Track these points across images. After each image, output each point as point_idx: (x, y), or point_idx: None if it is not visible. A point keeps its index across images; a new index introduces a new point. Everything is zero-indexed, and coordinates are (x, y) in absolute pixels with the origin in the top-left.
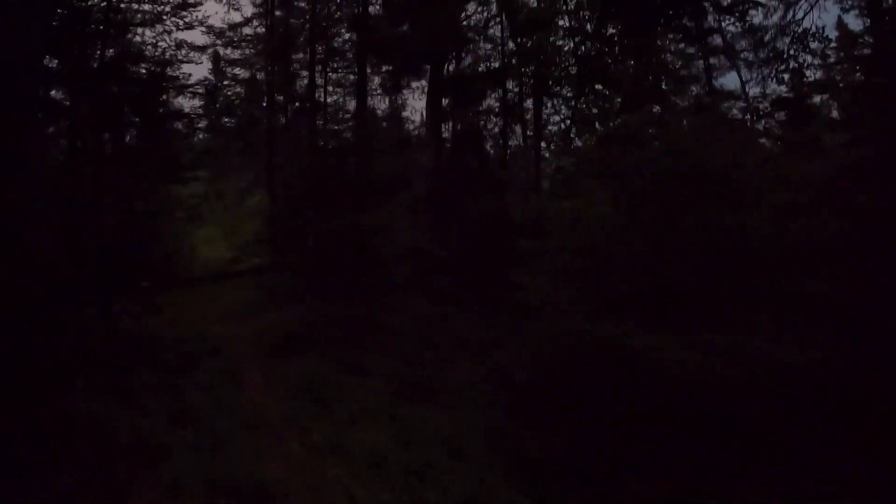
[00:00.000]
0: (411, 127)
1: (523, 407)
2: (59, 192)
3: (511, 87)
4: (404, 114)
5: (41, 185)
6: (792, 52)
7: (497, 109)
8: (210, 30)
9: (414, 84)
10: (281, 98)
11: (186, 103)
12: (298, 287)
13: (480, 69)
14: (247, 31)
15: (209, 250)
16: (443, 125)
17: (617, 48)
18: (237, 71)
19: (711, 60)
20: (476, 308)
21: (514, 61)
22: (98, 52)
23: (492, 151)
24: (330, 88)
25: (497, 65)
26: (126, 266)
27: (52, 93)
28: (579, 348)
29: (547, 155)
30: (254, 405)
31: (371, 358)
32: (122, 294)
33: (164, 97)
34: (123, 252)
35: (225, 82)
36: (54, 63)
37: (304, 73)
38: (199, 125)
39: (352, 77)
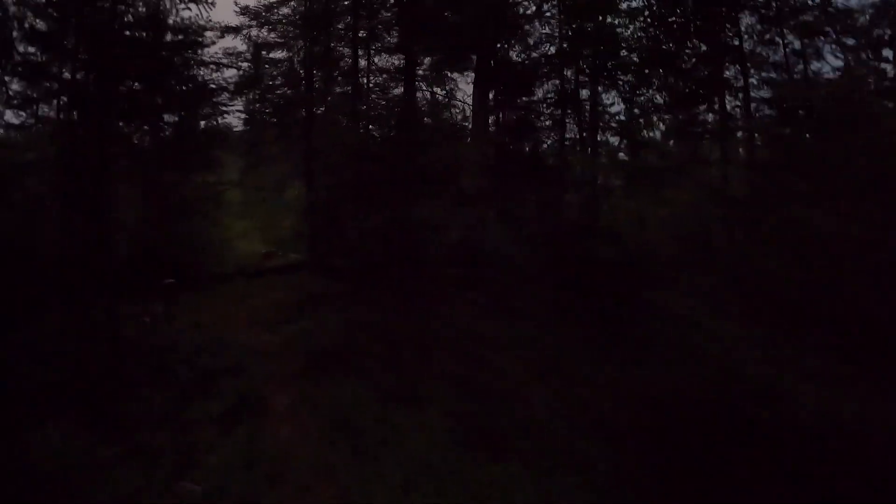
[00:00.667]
0: (458, 117)
1: (638, 466)
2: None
3: (568, 74)
4: (452, 102)
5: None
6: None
7: (550, 99)
8: (245, 11)
9: (461, 73)
10: (320, 80)
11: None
12: (337, 289)
13: (533, 55)
14: (284, 10)
15: (242, 245)
16: (490, 116)
17: (687, 30)
18: (274, 55)
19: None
20: (554, 326)
21: (567, 46)
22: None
23: (545, 144)
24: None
25: (552, 50)
26: (148, 262)
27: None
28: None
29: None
30: (277, 448)
31: (423, 383)
32: (143, 294)
33: (190, 72)
34: (146, 247)
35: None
36: None
37: (346, 50)
38: (229, 106)
39: (396, 61)
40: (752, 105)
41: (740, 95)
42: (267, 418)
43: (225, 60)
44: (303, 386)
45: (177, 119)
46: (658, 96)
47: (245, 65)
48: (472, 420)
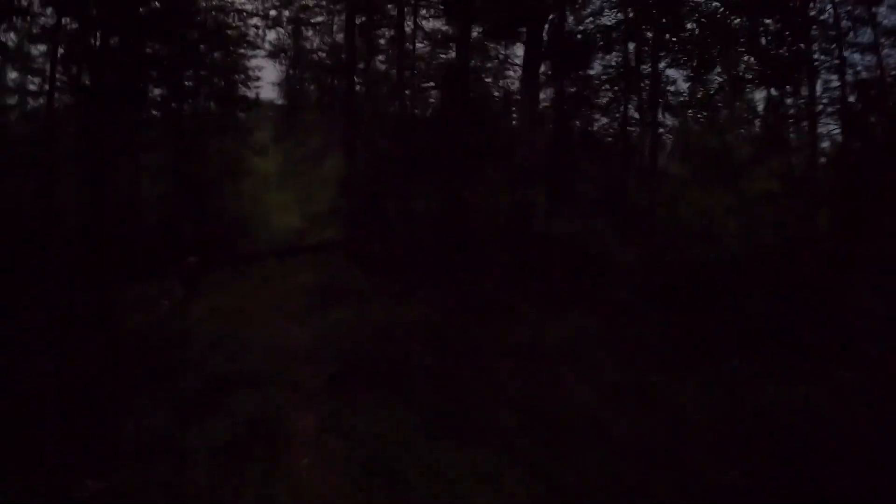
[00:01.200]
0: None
1: None
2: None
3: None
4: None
5: None
6: None
7: (609, 73)
8: None
9: (511, 44)
10: (362, 45)
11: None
12: (376, 276)
13: (590, 25)
14: None
15: (276, 220)
16: (541, 92)
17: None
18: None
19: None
20: (640, 329)
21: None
22: None
23: (602, 121)
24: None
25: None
26: (174, 238)
27: None
28: None
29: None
30: (294, 497)
31: (480, 409)
32: (166, 272)
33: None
34: (171, 222)
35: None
36: None
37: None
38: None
39: (444, 28)
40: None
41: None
42: (285, 451)
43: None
44: (332, 405)
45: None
46: (727, 75)
47: (281, 31)
48: (544, 466)
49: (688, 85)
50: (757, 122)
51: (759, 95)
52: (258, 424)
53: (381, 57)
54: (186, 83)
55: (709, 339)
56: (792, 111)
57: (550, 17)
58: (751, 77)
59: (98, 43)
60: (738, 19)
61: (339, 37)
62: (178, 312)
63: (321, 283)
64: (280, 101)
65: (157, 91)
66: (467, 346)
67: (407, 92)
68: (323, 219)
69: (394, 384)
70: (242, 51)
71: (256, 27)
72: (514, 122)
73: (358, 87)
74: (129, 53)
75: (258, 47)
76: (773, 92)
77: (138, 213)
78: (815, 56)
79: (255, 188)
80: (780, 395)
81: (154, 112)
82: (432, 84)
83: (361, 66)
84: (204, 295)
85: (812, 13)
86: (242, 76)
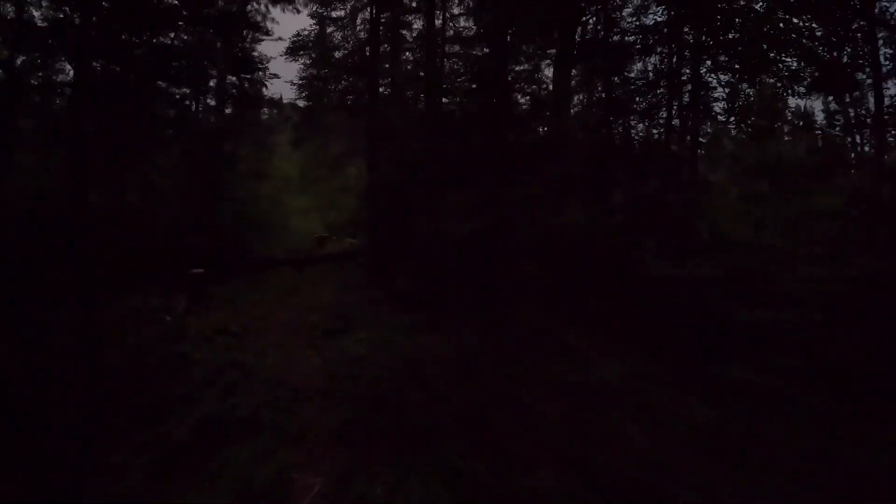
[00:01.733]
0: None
1: None
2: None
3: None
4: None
5: None
6: None
7: (646, 78)
8: None
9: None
10: (387, 41)
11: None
12: (400, 293)
13: (627, 27)
14: None
15: (295, 226)
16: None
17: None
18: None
19: None
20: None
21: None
22: None
23: (640, 127)
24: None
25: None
26: (183, 244)
27: None
28: None
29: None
30: None
31: (522, 468)
32: (171, 284)
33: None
34: (180, 227)
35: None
36: None
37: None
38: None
39: (472, 25)
40: None
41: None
42: None
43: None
44: (344, 463)
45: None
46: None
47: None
48: None
49: (727, 91)
50: (816, 133)
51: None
52: (250, 493)
53: (407, 55)
54: (201, 79)
55: (797, 384)
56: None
57: (587, 16)
58: (806, 83)
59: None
60: (793, 19)
61: (364, 34)
62: (178, 331)
63: (339, 302)
64: (301, 102)
65: (166, 85)
66: (507, 387)
67: (436, 91)
68: (344, 227)
69: (419, 437)
70: (260, 47)
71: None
72: (547, 129)
73: (382, 88)
74: (137, 46)
75: (279, 37)
76: (831, 99)
77: (143, 217)
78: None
79: (274, 191)
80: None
81: (169, 110)
82: (466, 83)
83: (387, 65)
84: (211, 310)
85: (877, 12)
86: (260, 74)
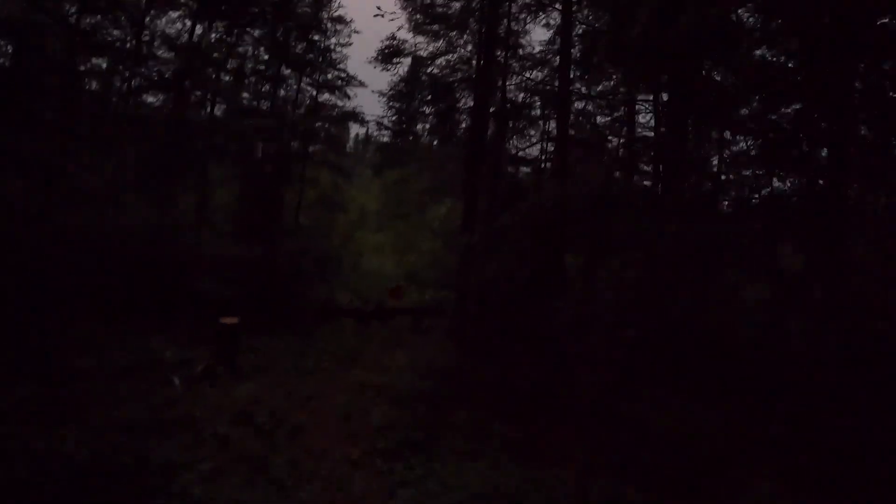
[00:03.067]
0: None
1: None
2: None
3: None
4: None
5: None
6: None
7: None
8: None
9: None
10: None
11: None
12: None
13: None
14: None
15: (366, 267)
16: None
17: None
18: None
19: None
20: None
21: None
22: None
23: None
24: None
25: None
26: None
27: None
28: None
29: None
30: None
31: None
32: (192, 332)
33: None
34: (219, 259)
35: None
36: None
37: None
38: None
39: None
40: None
41: None
42: None
43: None
44: None
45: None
46: None
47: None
48: None
49: None
50: None
51: None
52: None
53: (526, 75)
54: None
55: None
56: None
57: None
58: None
59: None
60: None
61: (469, 48)
62: (188, 406)
63: (415, 388)
64: (388, 121)
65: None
66: None
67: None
68: (425, 274)
69: None
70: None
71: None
72: None
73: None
74: None
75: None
76: None
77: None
78: None
79: (348, 226)
80: None
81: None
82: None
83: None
84: (239, 376)
85: None
86: (340, 80)
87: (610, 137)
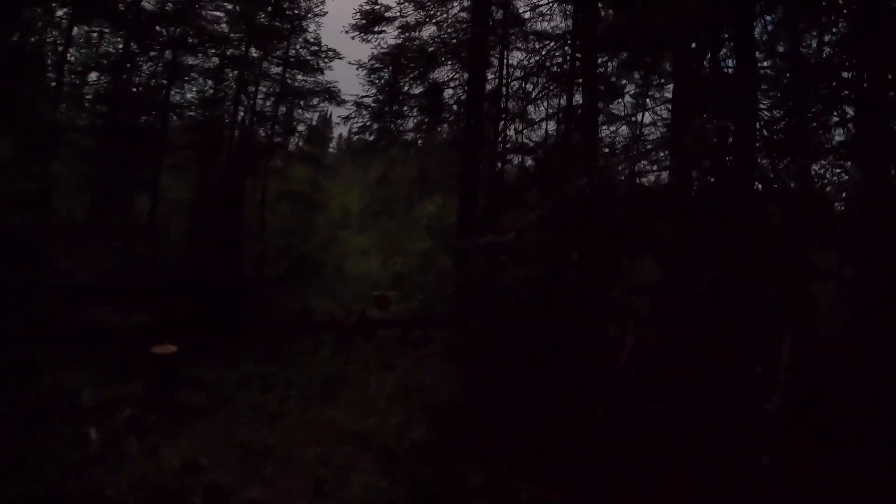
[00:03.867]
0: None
1: None
2: None
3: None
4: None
5: None
6: None
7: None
8: None
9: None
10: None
11: None
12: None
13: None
14: None
15: (350, 271)
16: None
17: None
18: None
19: None
20: None
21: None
22: None
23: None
24: None
25: None
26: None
27: None
28: None
29: None
30: None
31: None
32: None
33: None
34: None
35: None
36: None
37: None
38: None
39: None
40: None
41: None
42: None
43: None
44: None
45: None
46: None
47: None
48: None
49: None
50: None
51: None
52: None
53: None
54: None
55: None
56: None
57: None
58: None
59: None
60: None
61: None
62: (100, 474)
63: (408, 431)
64: (368, 103)
65: None
66: None
67: None
68: (415, 278)
69: None
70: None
71: None
72: None
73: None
74: None
75: None
76: None
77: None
78: None
79: (329, 226)
80: None
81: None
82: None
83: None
84: (180, 423)
85: None
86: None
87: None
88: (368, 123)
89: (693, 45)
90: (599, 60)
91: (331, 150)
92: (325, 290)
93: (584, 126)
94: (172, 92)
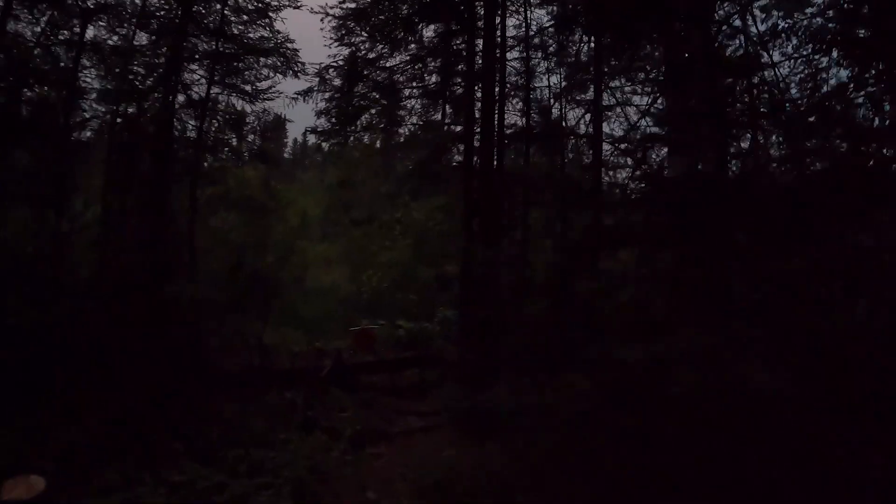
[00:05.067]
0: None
1: None
2: None
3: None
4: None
5: None
6: None
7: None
8: None
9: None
10: None
11: None
12: None
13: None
14: None
15: (313, 293)
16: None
17: None
18: None
19: None
20: None
21: None
22: None
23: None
24: None
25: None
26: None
27: None
28: None
29: None
30: None
31: None
32: None
33: None
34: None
35: None
36: None
37: None
38: None
39: None
40: None
41: None
42: None
43: None
44: None
45: None
46: None
47: None
48: None
49: None
50: None
51: None
52: None
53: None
54: None
55: None
56: None
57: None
58: None
59: None
60: None
61: None
62: None
63: None
64: (332, 76)
65: None
66: None
67: None
68: (395, 296)
69: None
70: None
71: None
72: None
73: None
74: None
75: None
76: None
77: None
78: None
79: (285, 236)
80: None
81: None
82: None
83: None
84: None
85: None
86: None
87: None
88: (336, 99)
89: None
90: None
91: (286, 155)
92: (285, 313)
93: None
94: (82, 77)
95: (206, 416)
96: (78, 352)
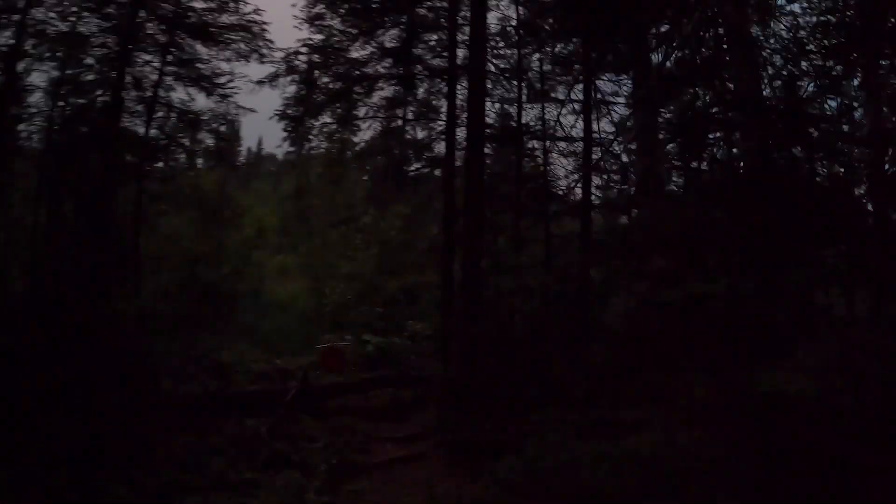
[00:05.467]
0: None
1: None
2: None
3: None
4: None
5: None
6: None
7: None
8: None
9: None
10: None
11: None
12: None
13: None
14: None
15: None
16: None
17: None
18: None
19: None
20: None
21: None
22: None
23: None
24: None
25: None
26: None
27: None
28: None
29: None
30: None
31: None
32: None
33: None
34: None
35: None
36: None
37: None
38: None
39: None
40: None
41: None
42: None
43: None
44: None
45: None
46: None
47: None
48: None
49: None
50: None
51: None
52: None
53: None
54: None
55: None
56: None
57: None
58: None
59: None
60: None
61: None
62: None
63: None
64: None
65: None
66: None
67: None
68: (360, 310)
69: None
70: None
71: None
72: None
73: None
74: None
75: None
76: None
77: None
78: None
79: (241, 247)
80: None
81: None
82: None
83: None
84: None
85: None
86: None
87: None
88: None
89: None
90: None
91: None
92: (242, 329)
93: None
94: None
95: (155, 453)
96: (1, 379)
